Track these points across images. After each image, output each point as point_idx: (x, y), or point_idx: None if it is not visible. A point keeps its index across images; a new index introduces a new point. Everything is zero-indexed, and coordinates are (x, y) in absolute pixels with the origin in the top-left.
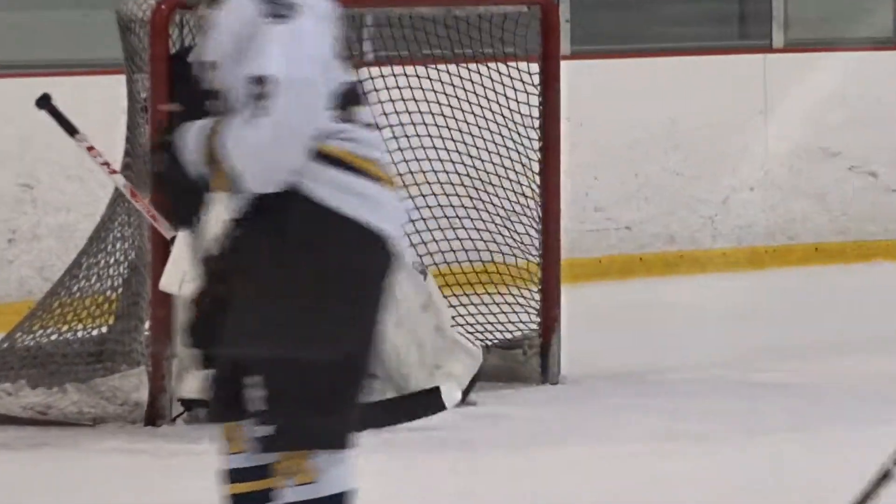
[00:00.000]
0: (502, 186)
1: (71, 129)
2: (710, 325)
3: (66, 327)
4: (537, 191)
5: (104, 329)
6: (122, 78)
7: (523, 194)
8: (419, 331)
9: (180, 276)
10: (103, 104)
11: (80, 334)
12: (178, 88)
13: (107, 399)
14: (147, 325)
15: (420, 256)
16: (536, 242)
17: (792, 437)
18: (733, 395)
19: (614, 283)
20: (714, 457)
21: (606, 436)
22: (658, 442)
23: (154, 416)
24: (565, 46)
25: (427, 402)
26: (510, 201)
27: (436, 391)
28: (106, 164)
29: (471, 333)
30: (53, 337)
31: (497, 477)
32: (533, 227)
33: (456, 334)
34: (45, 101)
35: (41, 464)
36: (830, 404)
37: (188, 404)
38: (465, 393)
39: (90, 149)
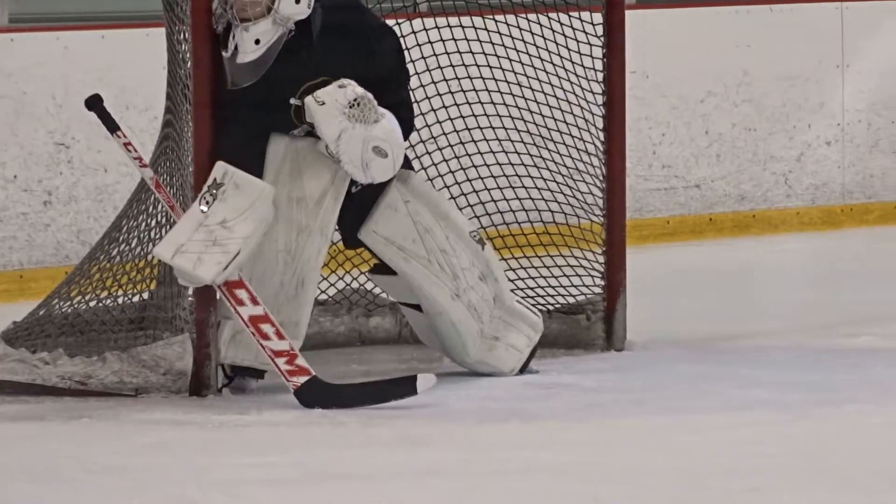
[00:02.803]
0: (564, 143)
1: (113, 127)
2: (784, 289)
3: (105, 293)
4: (601, 147)
5: (145, 295)
6: (162, 31)
7: (586, 151)
8: (476, 301)
9: (175, 247)
10: (142, 58)
11: (120, 300)
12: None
13: (149, 368)
14: (191, 290)
15: (478, 217)
16: (600, 202)
17: (868, 409)
18: (808, 363)
19: (682, 245)
20: (788, 429)
21: (674, 406)
22: (729, 412)
23: (199, 385)
24: None
25: (403, 386)
26: (573, 159)
27: (412, 379)
28: (139, 158)
29: (531, 299)
30: (92, 303)
31: (558, 449)
32: (597, 186)
33: (515, 303)
34: (95, 102)
35: (80, 437)
36: None
37: (235, 372)
38: (526, 362)
39: (127, 145)
